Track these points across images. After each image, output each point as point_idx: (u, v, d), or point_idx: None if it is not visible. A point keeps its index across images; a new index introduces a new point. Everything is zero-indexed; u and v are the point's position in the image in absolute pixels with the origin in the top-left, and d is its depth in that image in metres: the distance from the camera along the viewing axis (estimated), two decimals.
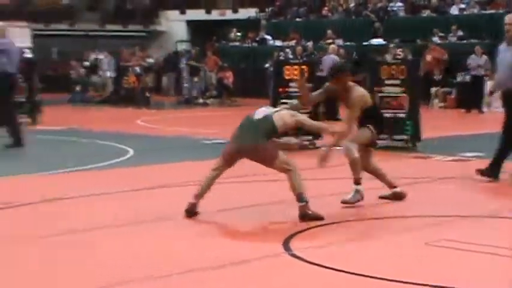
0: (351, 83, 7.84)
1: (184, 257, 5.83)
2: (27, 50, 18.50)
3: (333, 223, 6.94)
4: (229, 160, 7.25)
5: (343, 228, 6.81)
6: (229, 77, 27.08)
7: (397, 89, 12.43)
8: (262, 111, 7.23)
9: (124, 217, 7.19)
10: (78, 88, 27.53)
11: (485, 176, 9.08)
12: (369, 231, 6.67)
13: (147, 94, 24.61)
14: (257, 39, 29.91)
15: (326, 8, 30.32)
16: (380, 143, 12.65)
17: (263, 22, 31.58)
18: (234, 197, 8.11)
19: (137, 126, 17.49)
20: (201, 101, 26.16)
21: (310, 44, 25.56)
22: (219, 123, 17.01)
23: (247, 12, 32.99)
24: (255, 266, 5.59)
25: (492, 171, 9.14)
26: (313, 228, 6.73)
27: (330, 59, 19.13)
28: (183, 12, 35.14)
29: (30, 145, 13.04)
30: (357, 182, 7.81)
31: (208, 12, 34.62)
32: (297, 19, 30.63)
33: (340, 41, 26.21)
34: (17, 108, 12.87)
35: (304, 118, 7.52)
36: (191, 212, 7.14)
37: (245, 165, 7.43)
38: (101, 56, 29.46)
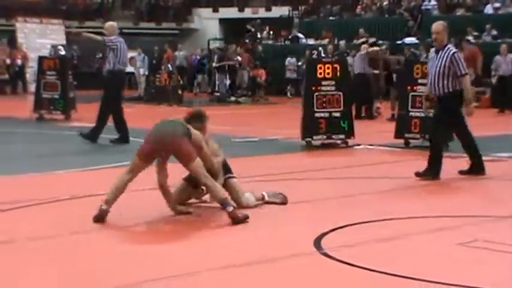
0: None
1: (212, 255, 5.82)
2: (60, 47, 18.66)
3: (364, 222, 6.88)
4: (146, 159, 6.96)
5: (375, 228, 6.75)
6: (261, 75, 27.11)
7: None
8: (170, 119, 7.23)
9: (154, 214, 7.20)
10: None
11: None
12: (401, 231, 6.60)
13: (179, 92, 24.68)
14: (290, 37, 29.86)
15: (359, 7, 30.18)
16: (412, 142, 12.64)
17: (296, 20, 31.52)
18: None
19: None
20: (233, 99, 26.18)
21: (342, 42, 25.46)
22: (251, 122, 17.03)
23: (280, 11, 32.95)
24: (286, 264, 5.56)
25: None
26: (345, 227, 6.68)
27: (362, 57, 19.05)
28: (216, 10, 35.20)
29: (63, 142, 13.14)
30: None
31: (241, 10, 34.64)
32: (330, 18, 30.52)
33: (373, 40, 26.04)
34: (120, 106, 13.08)
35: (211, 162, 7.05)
36: (101, 219, 6.76)
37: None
38: (133, 54, 29.59)
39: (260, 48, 28.67)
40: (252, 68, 27.25)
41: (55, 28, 31.70)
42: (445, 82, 9.25)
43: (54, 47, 18.97)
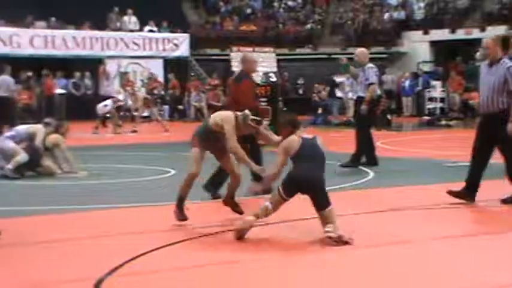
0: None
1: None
2: (271, 74, 19.14)
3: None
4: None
5: None
6: (475, 98, 26.18)
7: None
8: None
9: (360, 240, 7.09)
10: (320, 110, 28.00)
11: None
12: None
13: (388, 116, 24.41)
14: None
15: None
16: None
17: None
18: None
19: (378, 148, 17.35)
20: (443, 122, 25.48)
21: None
22: (462, 146, 16.39)
23: (495, 31, 31.68)
24: None
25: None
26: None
27: None
28: (426, 33, 34.55)
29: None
30: None
31: (453, 31, 33.74)
32: None
33: None
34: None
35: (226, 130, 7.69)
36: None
37: None
38: (342, 79, 29.81)
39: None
40: (464, 91, 26.40)
41: (266, 56, 32.71)
42: (500, 98, 8.83)
43: (265, 74, 19.51)
